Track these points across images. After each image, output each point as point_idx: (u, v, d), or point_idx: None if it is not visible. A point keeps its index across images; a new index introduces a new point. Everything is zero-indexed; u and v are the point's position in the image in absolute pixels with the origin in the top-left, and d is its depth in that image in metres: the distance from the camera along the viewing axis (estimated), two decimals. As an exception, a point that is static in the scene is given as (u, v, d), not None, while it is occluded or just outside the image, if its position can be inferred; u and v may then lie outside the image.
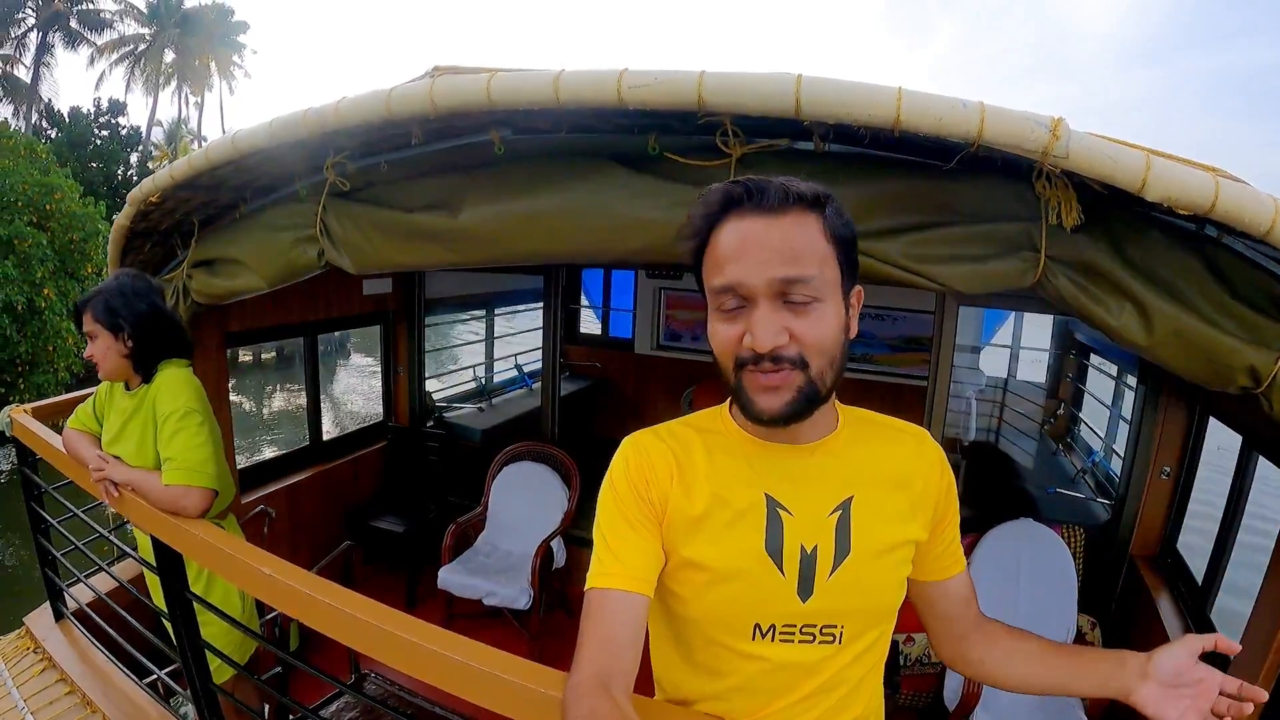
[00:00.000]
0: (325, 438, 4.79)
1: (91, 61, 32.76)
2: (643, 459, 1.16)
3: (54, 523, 3.04)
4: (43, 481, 3.00)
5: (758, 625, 1.13)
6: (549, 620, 4.20)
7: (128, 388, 2.45)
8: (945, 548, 1.25)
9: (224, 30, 35.46)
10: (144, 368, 2.39)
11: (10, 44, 30.54)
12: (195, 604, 2.25)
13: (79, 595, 3.09)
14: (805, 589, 1.11)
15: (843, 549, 1.12)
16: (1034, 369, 6.44)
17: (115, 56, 33.40)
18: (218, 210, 3.02)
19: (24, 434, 2.83)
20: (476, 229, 2.31)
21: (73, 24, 31.52)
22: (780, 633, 1.13)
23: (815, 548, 1.11)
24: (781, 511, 1.12)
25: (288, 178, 2.76)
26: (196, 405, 2.32)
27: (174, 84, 35.79)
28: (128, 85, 34.21)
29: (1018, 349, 6.37)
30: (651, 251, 2.16)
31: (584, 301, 8.03)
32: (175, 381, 2.35)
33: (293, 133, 2.20)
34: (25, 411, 2.97)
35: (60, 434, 2.62)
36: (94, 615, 2.95)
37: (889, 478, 1.17)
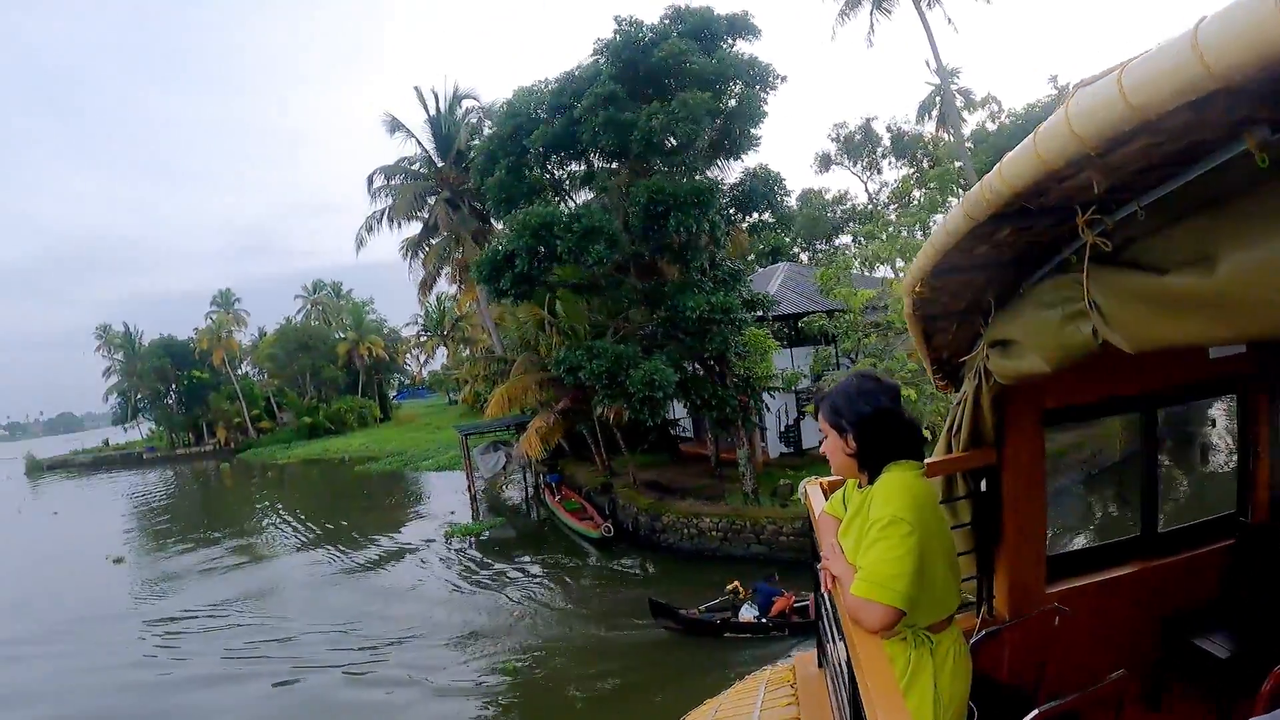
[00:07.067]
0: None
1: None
2: None
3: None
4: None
5: None
6: None
7: (860, 485, 2.48)
8: None
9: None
10: (868, 467, 2.39)
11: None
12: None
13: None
14: None
15: None
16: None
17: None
18: (1004, 289, 2.86)
19: (807, 503, 3.20)
20: (1240, 289, 1.58)
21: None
22: None
23: None
24: None
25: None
26: (906, 515, 2.19)
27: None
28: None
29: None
30: None
31: None
32: (892, 487, 2.28)
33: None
34: (817, 484, 3.27)
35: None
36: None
37: None
